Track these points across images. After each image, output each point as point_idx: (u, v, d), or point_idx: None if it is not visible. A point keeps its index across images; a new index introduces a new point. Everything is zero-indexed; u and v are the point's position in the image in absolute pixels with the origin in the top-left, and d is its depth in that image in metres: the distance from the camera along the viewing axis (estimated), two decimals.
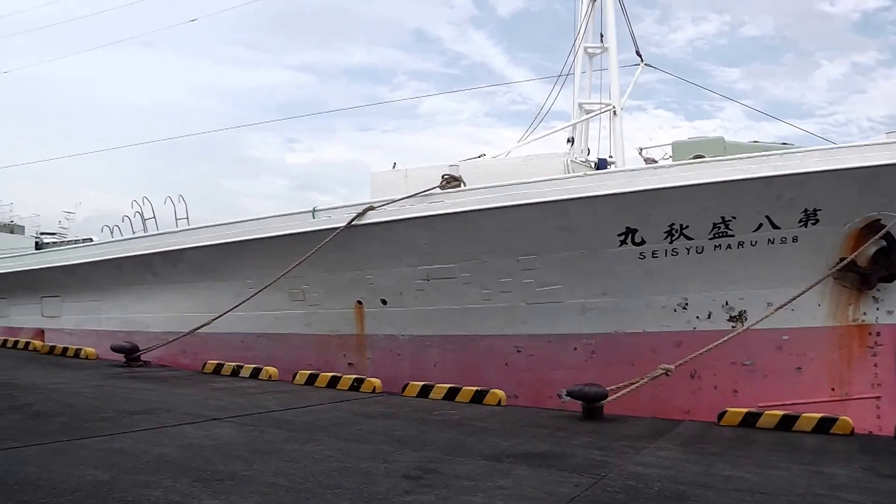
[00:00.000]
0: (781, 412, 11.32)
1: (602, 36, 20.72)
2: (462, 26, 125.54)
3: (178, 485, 6.58)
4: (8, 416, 10.26)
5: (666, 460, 8.52)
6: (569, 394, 11.82)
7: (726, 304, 14.59)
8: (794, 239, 13.96)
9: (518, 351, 15.97)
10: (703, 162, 14.40)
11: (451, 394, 13.37)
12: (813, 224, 13.76)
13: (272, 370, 16.07)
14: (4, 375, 14.89)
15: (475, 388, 13.28)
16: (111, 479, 6.68)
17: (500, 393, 13.20)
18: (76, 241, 33.70)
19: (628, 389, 12.09)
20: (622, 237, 14.67)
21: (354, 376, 14.80)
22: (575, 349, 15.52)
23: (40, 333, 24.99)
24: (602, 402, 11.71)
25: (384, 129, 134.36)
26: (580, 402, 11.80)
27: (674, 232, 14.37)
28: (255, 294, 17.44)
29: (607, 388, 11.88)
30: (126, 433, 9.15)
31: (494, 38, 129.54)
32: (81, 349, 20.25)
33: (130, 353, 18.41)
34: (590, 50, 21.01)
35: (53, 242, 40.27)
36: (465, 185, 16.16)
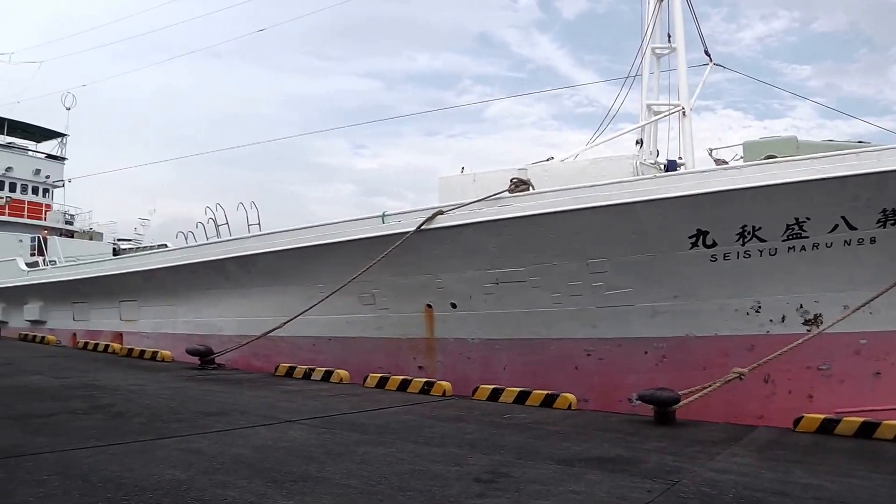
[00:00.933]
0: (861, 419, 11.07)
1: (669, 36, 20.49)
2: (527, 29, 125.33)
3: (252, 485, 6.72)
4: (91, 415, 10.56)
5: (741, 466, 8.40)
6: (640, 398, 11.71)
7: (801, 307, 14.34)
8: (872, 240, 13.65)
9: (588, 354, 15.92)
10: (775, 162, 14.16)
11: (522, 397, 13.35)
12: (892, 224, 13.44)
13: (343, 373, 16.25)
14: (87, 377, 15.28)
15: (545, 392, 13.25)
16: (189, 479, 6.85)
17: (571, 397, 13.16)
18: (151, 247, 34.46)
19: (701, 394, 11.95)
20: (693, 239, 14.52)
21: (425, 379, 14.89)
22: (645, 353, 15.41)
23: (119, 336, 25.65)
24: (674, 406, 11.59)
25: (450, 133, 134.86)
26: (652, 407, 11.70)
27: (746, 234, 14.18)
28: (326, 298, 17.66)
29: (679, 393, 11.77)
30: (202, 434, 9.36)
31: (559, 41, 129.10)
32: (158, 352, 20.71)
33: (205, 356, 18.79)
34: (657, 50, 20.80)
35: (129, 248, 41.17)
36: (533, 189, 16.16)
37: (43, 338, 25.84)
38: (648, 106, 20.73)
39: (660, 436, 10.45)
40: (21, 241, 38.58)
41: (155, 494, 6.26)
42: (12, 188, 43.93)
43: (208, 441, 8.89)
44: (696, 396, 11.91)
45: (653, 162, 19.06)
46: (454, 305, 17.22)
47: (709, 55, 21.65)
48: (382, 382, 15.19)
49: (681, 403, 11.65)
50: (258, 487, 6.66)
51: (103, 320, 27.29)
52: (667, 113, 20.31)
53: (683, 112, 19.89)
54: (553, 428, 10.81)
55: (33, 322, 30.34)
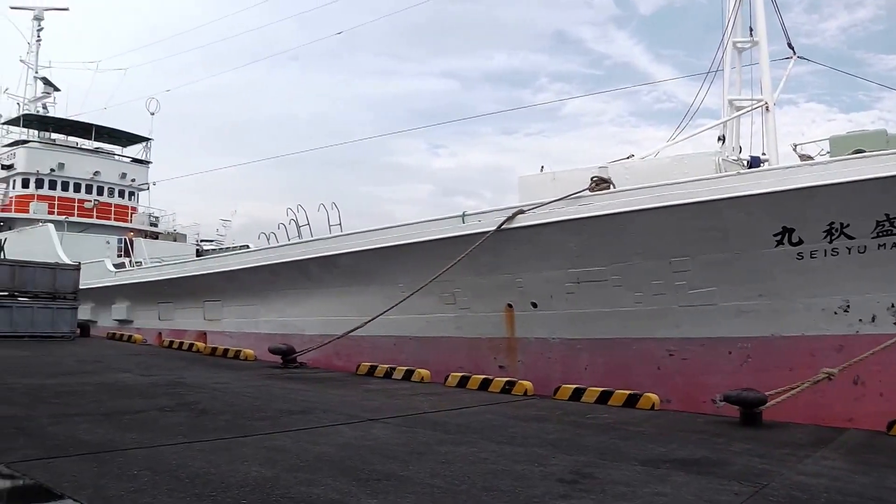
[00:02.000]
0: None
1: (751, 30, 20.04)
2: (603, 26, 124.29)
3: (337, 483, 6.75)
4: (177, 413, 10.78)
5: (832, 470, 8.17)
6: (726, 398, 11.48)
7: (892, 305, 13.90)
8: None
9: (670, 354, 15.70)
10: (864, 157, 13.77)
11: (604, 397, 13.23)
12: None
13: (424, 372, 16.31)
14: (173, 375, 15.61)
15: (628, 392, 13.10)
16: (274, 476, 6.91)
17: (654, 397, 12.98)
18: (233, 248, 35.09)
19: (789, 394, 11.68)
20: (778, 237, 14.22)
21: (506, 379, 14.84)
22: (729, 353, 15.13)
23: (203, 335, 26.19)
24: (761, 407, 11.34)
25: (527, 132, 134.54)
26: (737, 408, 11.47)
27: (833, 231, 13.82)
28: (408, 297, 17.75)
29: (766, 394, 11.52)
30: (286, 432, 9.46)
31: (637, 37, 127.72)
32: (241, 351, 21.05)
33: (287, 355, 19.03)
34: (739, 44, 20.37)
35: (212, 249, 42.00)
36: (614, 187, 16.00)
37: (130, 336, 26.50)
38: (730, 101, 20.32)
39: (746, 437, 10.23)
40: (108, 242, 39.65)
41: (241, 491, 6.35)
42: (100, 191, 45.21)
43: (292, 439, 8.99)
44: (784, 397, 11.65)
45: (735, 158, 18.68)
46: (535, 305, 17.15)
47: (792, 48, 21.12)
48: (463, 382, 15.20)
49: (768, 404, 11.40)
50: (342, 485, 6.69)
51: (187, 320, 27.91)
52: (749, 108, 19.88)
53: (766, 107, 19.45)
54: (636, 428, 10.67)
55: (121, 321, 31.16)
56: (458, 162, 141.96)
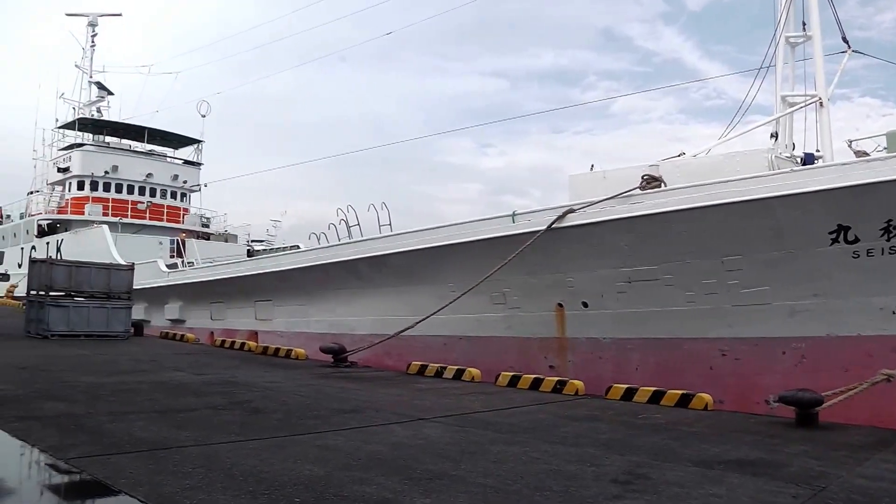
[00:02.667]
0: None
1: (804, 24, 19.70)
2: (652, 23, 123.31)
3: (389, 482, 6.77)
4: (231, 411, 10.89)
5: (892, 473, 7.99)
6: (781, 399, 11.30)
7: None
8: None
9: (723, 354, 15.52)
10: None
11: (656, 397, 13.10)
12: None
13: (475, 372, 16.28)
14: (226, 374, 15.78)
15: (681, 392, 12.96)
16: (326, 475, 6.95)
17: (707, 397, 12.82)
18: (284, 248, 35.39)
19: (846, 395, 11.47)
20: (833, 235, 13.98)
21: (557, 378, 14.77)
22: (783, 353, 14.91)
23: (254, 335, 26.43)
24: (817, 408, 11.15)
25: (576, 130, 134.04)
26: (793, 409, 11.29)
27: (891, 229, 13.55)
28: (459, 297, 17.75)
29: (822, 395, 11.32)
30: (337, 431, 9.50)
31: (686, 33, 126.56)
32: (292, 350, 21.20)
33: (338, 354, 19.13)
34: (791, 39, 20.04)
35: (263, 249, 42.40)
36: (665, 185, 15.86)
37: (183, 336, 26.82)
38: (783, 97, 19.99)
39: (802, 439, 10.07)
40: (161, 243, 40.28)
41: (295, 489, 6.39)
42: (152, 193, 45.95)
43: (344, 438, 9.03)
44: (841, 398, 11.44)
45: (789, 155, 18.39)
46: (585, 304, 17.07)
47: (846, 41, 20.71)
48: (514, 381, 15.16)
49: (824, 405, 11.20)
50: (395, 484, 6.70)
51: (239, 319, 28.20)
52: (803, 104, 19.55)
53: (821, 102, 19.10)
54: (689, 429, 10.56)
55: (173, 321, 31.58)
56: (507, 161, 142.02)
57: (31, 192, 51.69)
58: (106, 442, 8.17)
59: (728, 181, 14.68)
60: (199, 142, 49.14)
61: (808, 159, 18.16)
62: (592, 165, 18.84)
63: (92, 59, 52.05)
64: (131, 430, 8.93)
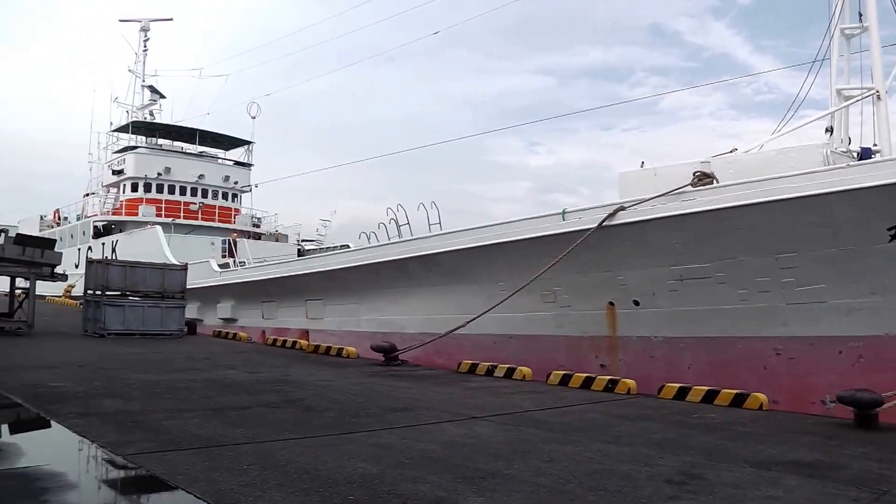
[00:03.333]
0: None
1: (860, 15, 19.32)
2: (701, 18, 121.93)
3: (442, 481, 6.77)
4: (284, 409, 10.97)
5: None
6: (839, 399, 11.07)
7: None
8: None
9: (777, 354, 15.31)
10: None
11: (709, 396, 12.93)
12: None
13: (526, 370, 16.18)
14: (278, 372, 15.90)
15: (735, 391, 12.76)
16: (379, 473, 6.97)
17: (762, 397, 12.59)
18: (334, 248, 35.62)
19: None
20: (892, 232, 13.72)
21: (608, 377, 14.64)
22: (840, 353, 14.66)
23: (305, 333, 26.62)
24: (877, 409, 10.91)
25: (624, 127, 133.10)
26: (851, 409, 11.06)
27: None
28: (510, 296, 17.71)
29: (882, 395, 11.08)
30: (390, 429, 9.52)
31: (736, 27, 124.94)
32: (343, 348, 21.28)
33: (389, 353, 19.18)
34: (847, 31, 19.67)
35: (313, 249, 42.70)
36: (717, 182, 15.68)
37: (235, 334, 27.06)
38: (838, 91, 19.62)
39: (861, 440, 9.86)
40: (213, 243, 40.74)
41: (348, 487, 6.42)
42: (204, 194, 46.54)
43: (396, 436, 9.05)
44: None
45: (844, 150, 18.06)
46: (637, 303, 16.95)
47: None
48: (565, 380, 15.06)
49: (884, 406, 10.96)
50: (448, 483, 6.70)
51: (290, 318, 28.43)
52: (859, 97, 19.19)
53: (878, 95, 18.73)
54: (744, 429, 10.41)
55: (226, 320, 31.94)
56: (555, 159, 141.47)
57: (87, 195, 52.71)
58: (162, 438, 8.29)
59: (782, 177, 14.47)
60: (249, 143, 49.66)
61: (865, 154, 17.82)
62: (643, 162, 18.71)
63: (144, 63, 52.94)
64: (186, 427, 9.05)
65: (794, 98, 19.68)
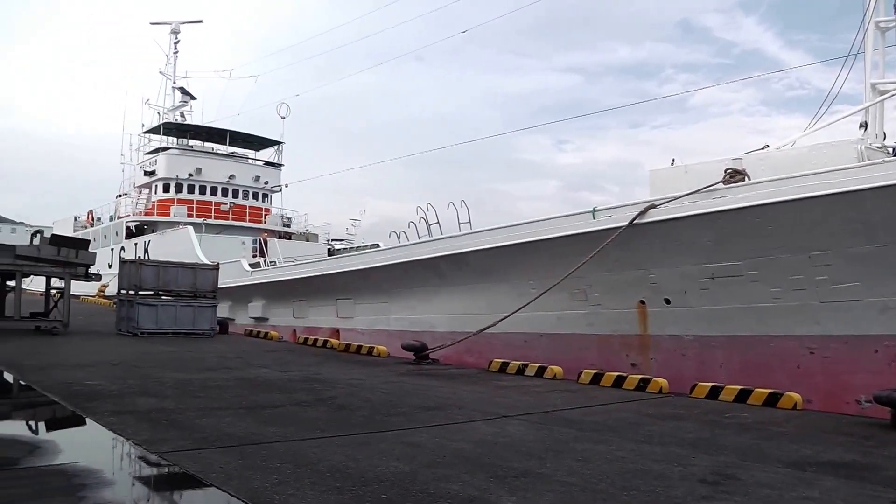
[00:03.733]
0: None
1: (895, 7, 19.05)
2: (730, 13, 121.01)
3: (475, 480, 6.76)
4: (315, 408, 11.03)
5: None
6: (876, 399, 10.91)
7: None
8: None
9: (811, 353, 15.13)
10: None
11: (742, 396, 12.82)
12: None
13: (557, 369, 16.12)
14: (309, 371, 15.97)
15: (768, 391, 12.63)
16: (412, 472, 6.99)
17: (796, 396, 12.45)
18: (364, 247, 35.72)
19: None
20: None
21: (640, 376, 14.56)
22: (875, 352, 14.45)
23: (336, 332, 26.71)
24: None
25: (654, 124, 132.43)
26: (888, 409, 10.90)
27: None
28: (542, 294, 17.67)
29: None
30: (421, 428, 9.54)
31: (766, 22, 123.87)
32: (374, 347, 21.33)
33: (420, 352, 19.20)
34: (882, 24, 19.39)
35: (343, 248, 42.88)
36: (749, 179, 15.55)
37: (266, 333, 27.18)
38: (873, 85, 19.35)
39: None
40: (244, 243, 41.01)
41: (381, 486, 6.44)
42: (235, 194, 46.86)
43: (428, 435, 9.06)
44: None
45: (879, 146, 17.80)
46: (668, 301, 16.83)
47: None
48: (596, 379, 14.98)
49: None
50: (480, 482, 6.70)
51: (320, 317, 28.55)
52: (895, 92, 18.93)
53: None
54: (778, 429, 10.31)
55: (257, 319, 32.12)
56: (584, 157, 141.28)
57: (120, 195, 53.27)
58: (196, 437, 8.37)
59: (815, 173, 14.30)
60: (279, 143, 49.94)
61: None
62: (673, 160, 18.58)
63: (175, 65, 53.38)
64: (219, 425, 9.12)
65: (827, 93, 19.41)
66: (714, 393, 13.20)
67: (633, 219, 16.24)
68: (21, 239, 37.98)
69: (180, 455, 7.39)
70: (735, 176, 15.57)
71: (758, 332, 15.65)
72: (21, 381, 13.00)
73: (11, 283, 24.17)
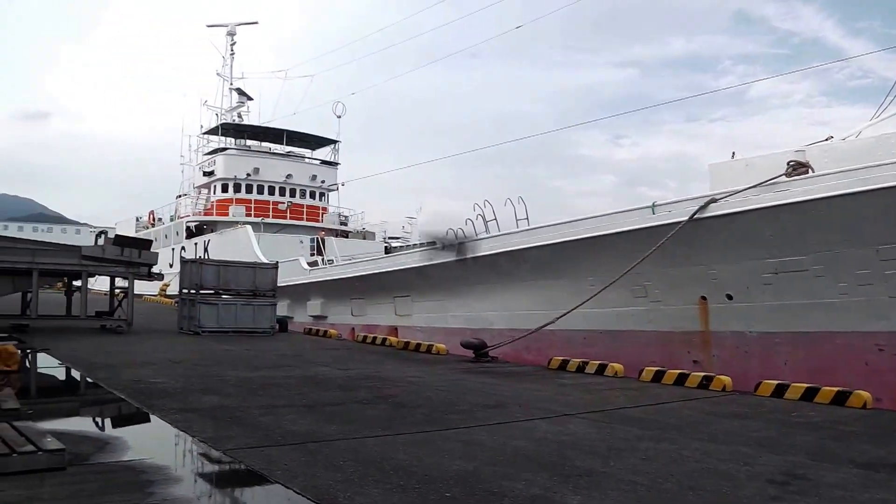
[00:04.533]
0: None
1: None
2: (789, 2, 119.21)
3: (538, 478, 6.72)
4: (376, 406, 11.07)
5: None
6: None
7: None
8: None
9: (880, 350, 14.75)
10: None
11: (808, 394, 12.54)
12: None
13: (618, 366, 15.92)
14: (369, 369, 16.04)
15: (836, 389, 12.33)
16: (474, 470, 6.96)
17: (866, 395, 12.09)
18: (420, 244, 35.81)
19: None
20: None
21: (703, 374, 14.34)
22: None
23: (394, 330, 26.79)
24: None
25: (711, 118, 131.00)
26: None
27: None
28: (600, 291, 17.52)
29: None
30: (482, 426, 9.50)
31: (827, 10, 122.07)
32: (433, 345, 21.34)
33: (479, 349, 19.14)
34: None
35: (400, 246, 43.07)
36: (813, 171, 15.23)
37: (325, 332, 27.33)
38: None
39: None
40: (302, 242, 41.36)
41: (445, 484, 6.43)
42: (292, 193, 47.32)
43: (488, 433, 9.02)
44: None
45: None
46: (730, 297, 16.57)
47: None
48: (658, 376, 14.77)
49: None
50: (543, 481, 6.65)
51: (379, 315, 28.67)
52: None
53: None
54: (848, 428, 10.05)
55: (315, 317, 32.37)
56: (641, 152, 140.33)
57: (180, 196, 54.14)
58: (259, 434, 8.45)
59: (882, 165, 13.94)
60: (335, 142, 50.31)
61: None
62: (734, 153, 18.29)
63: (231, 66, 54.04)
64: (282, 423, 9.20)
65: (895, 82, 18.94)
66: (779, 391, 12.92)
67: (694, 213, 16.02)
68: (85, 240, 38.84)
69: (245, 452, 7.47)
70: (798, 168, 15.27)
71: (823, 328, 15.33)
72: (88, 379, 13.26)
73: (77, 283, 24.70)
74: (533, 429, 9.45)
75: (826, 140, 17.23)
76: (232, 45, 54.67)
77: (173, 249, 46.58)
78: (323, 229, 44.49)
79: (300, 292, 32.52)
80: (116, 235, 27.75)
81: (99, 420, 10.49)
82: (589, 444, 8.51)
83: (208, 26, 56.39)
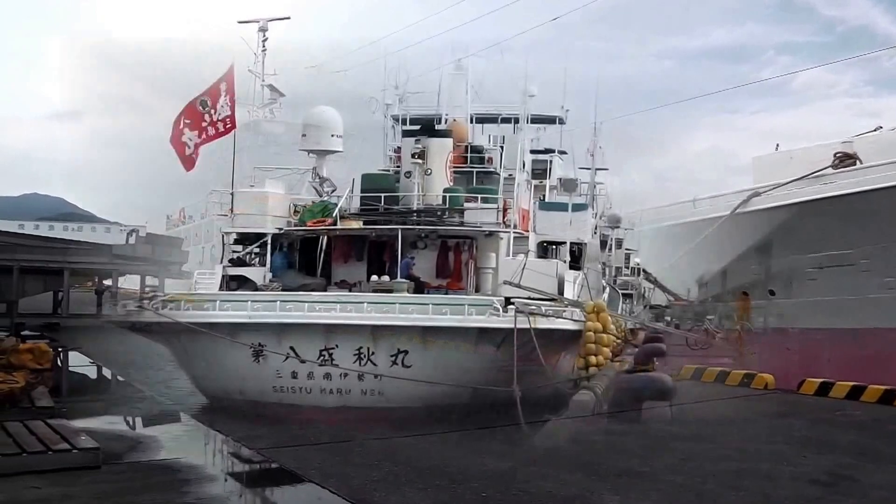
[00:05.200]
0: None
1: None
2: None
3: (574, 478, 6.60)
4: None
5: None
6: None
7: None
8: None
9: None
10: None
11: (854, 393, 12.05)
12: None
13: None
14: None
15: (884, 388, 11.82)
16: (510, 470, 6.91)
17: None
18: None
19: None
20: None
21: (744, 371, 13.92)
22: None
23: None
24: None
25: (752, 110, 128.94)
26: None
27: None
28: None
29: None
30: (516, 425, 9.20)
31: None
32: None
33: None
34: None
35: None
36: (861, 163, 14.80)
37: None
38: None
39: None
40: None
41: (480, 483, 6.32)
42: None
43: (522, 433, 8.85)
44: None
45: None
46: (772, 292, 16.20)
47: None
48: (697, 374, 14.37)
49: None
50: (581, 481, 6.53)
51: None
52: None
53: None
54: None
55: None
56: (677, 145, 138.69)
57: (212, 192, 54.27)
58: (291, 433, 8.49)
59: None
60: None
61: None
62: (777, 145, 17.96)
63: (263, 62, 54.16)
64: (313, 422, 9.17)
65: None
66: (823, 389, 12.47)
67: (736, 207, 15.70)
68: (115, 238, 38.88)
69: (278, 451, 7.42)
70: (846, 160, 14.87)
71: (870, 324, 14.92)
72: (119, 377, 13.26)
73: (108, 282, 24.62)
74: (563, 428, 9.17)
75: (874, 130, 16.80)
76: (263, 41, 54.77)
77: (203, 248, 46.65)
78: None
79: None
80: (148, 233, 27.73)
81: (130, 419, 10.37)
82: (625, 443, 8.38)
83: (239, 22, 56.58)
